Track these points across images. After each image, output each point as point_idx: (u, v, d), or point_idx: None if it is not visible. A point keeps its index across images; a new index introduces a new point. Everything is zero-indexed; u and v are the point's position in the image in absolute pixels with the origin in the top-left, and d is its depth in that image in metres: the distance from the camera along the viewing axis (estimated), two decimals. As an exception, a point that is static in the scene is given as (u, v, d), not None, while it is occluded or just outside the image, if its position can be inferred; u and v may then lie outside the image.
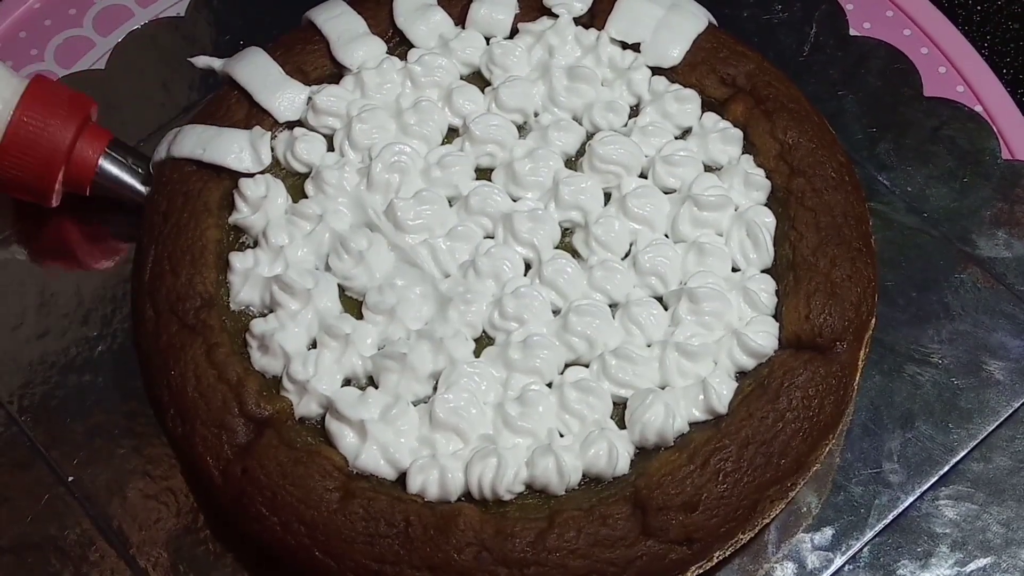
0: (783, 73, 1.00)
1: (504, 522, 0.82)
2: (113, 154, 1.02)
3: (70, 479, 0.96)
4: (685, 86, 0.99)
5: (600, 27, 1.01)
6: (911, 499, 0.94)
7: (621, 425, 0.86)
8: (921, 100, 1.11)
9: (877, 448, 0.95)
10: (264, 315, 0.91)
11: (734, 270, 0.92)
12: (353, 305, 0.92)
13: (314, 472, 0.84)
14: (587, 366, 0.88)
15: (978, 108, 1.11)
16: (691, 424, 0.86)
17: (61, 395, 1.00)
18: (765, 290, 0.90)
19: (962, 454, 0.95)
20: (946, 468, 0.94)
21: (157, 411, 0.90)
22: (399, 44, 1.03)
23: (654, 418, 0.84)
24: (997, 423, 0.96)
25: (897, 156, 1.08)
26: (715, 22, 1.03)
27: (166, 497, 0.96)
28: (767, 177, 0.94)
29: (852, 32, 1.15)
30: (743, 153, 0.96)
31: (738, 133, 0.96)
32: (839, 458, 0.95)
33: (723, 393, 0.86)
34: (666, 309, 0.90)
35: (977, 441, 0.95)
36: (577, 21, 1.02)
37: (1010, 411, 0.96)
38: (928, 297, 1.01)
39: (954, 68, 1.13)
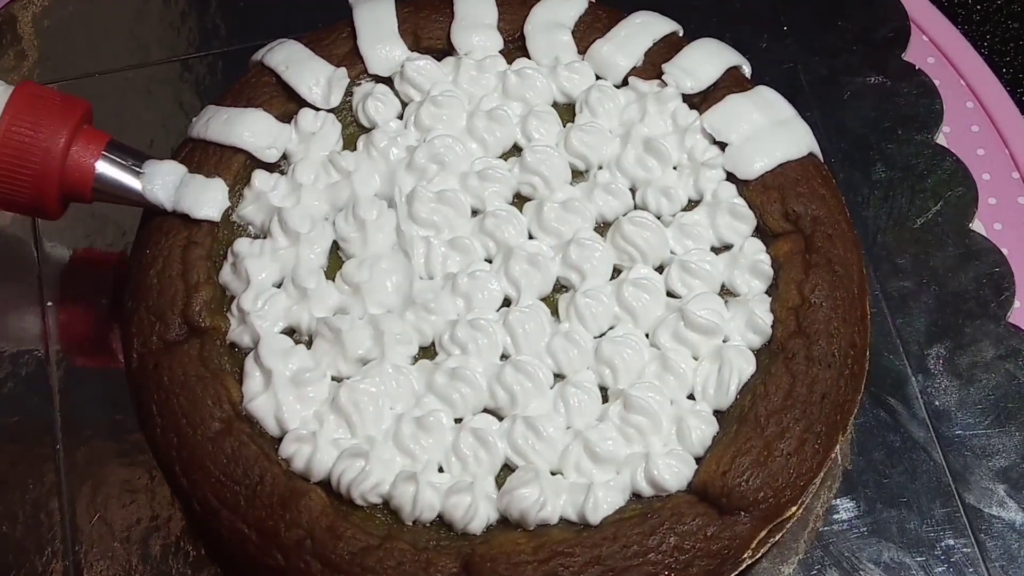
0: (854, 234, 0.94)
1: (342, 523, 0.83)
2: (111, 156, 0.93)
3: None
4: (749, 204, 0.95)
5: (702, 112, 0.98)
6: None
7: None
8: (1000, 323, 1.02)
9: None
10: (255, 238, 0.93)
11: (690, 397, 0.88)
12: (340, 265, 0.93)
13: (208, 396, 0.87)
14: (501, 419, 0.87)
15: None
16: (560, 519, 0.83)
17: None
18: (703, 429, 0.86)
19: None
20: None
21: (125, 284, 0.95)
22: (517, 49, 1.03)
23: (525, 497, 0.82)
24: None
25: (945, 367, 1.00)
26: (819, 155, 0.98)
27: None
28: (772, 325, 0.90)
29: (975, 226, 1.07)
30: (765, 292, 0.92)
31: (769, 272, 0.92)
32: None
33: (602, 506, 0.83)
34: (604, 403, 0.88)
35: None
36: (688, 98, 0.99)
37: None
38: (891, 515, 0.94)
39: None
